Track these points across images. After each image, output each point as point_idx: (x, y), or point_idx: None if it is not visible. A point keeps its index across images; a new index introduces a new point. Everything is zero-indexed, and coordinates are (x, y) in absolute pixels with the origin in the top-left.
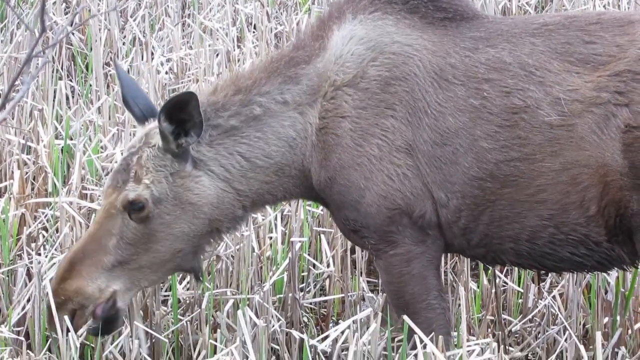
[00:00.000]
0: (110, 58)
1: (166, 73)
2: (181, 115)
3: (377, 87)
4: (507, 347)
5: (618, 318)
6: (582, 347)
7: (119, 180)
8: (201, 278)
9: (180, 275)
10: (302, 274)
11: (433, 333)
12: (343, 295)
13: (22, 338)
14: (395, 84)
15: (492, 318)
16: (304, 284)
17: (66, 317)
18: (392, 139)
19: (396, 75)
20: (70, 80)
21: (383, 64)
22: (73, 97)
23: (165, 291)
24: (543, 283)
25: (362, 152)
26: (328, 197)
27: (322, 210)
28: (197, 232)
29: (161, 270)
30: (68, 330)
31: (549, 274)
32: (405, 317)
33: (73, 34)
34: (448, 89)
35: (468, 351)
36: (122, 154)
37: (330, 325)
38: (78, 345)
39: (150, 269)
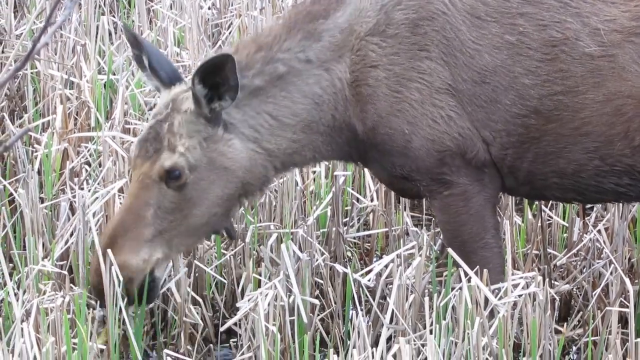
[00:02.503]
0: None
1: (209, 8)
2: (215, 78)
3: (407, 30)
4: (552, 281)
5: None
6: (627, 281)
7: (149, 149)
8: (234, 236)
9: None
10: (346, 208)
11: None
12: (386, 229)
13: (65, 272)
14: (424, 25)
15: (537, 252)
16: (347, 218)
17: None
18: (431, 81)
19: (423, 16)
20: (113, 16)
21: (408, 7)
22: (115, 32)
23: None
24: (588, 217)
25: (401, 97)
26: (373, 147)
27: None
28: (231, 196)
29: (197, 234)
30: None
31: (594, 208)
32: (450, 250)
33: None
34: (481, 26)
35: (513, 285)
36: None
37: (374, 259)
38: (122, 279)
39: (188, 235)
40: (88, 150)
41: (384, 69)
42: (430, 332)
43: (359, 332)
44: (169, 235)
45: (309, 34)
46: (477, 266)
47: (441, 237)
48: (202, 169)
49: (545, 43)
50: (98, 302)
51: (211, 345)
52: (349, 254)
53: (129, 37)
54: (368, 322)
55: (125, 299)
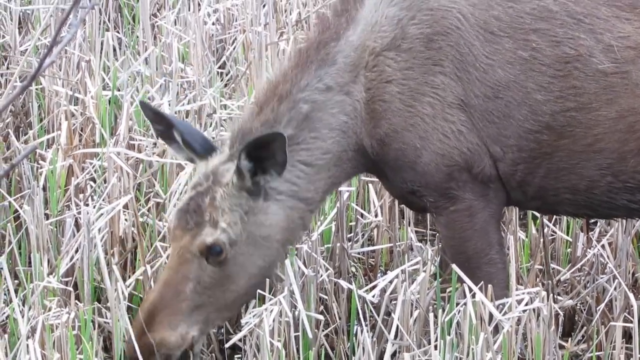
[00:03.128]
0: (157, 9)
1: (213, 24)
2: (260, 152)
3: (421, 45)
4: (556, 296)
5: None
6: (631, 296)
7: (190, 222)
8: (276, 282)
9: None
10: (350, 223)
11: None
12: (391, 245)
13: (70, 288)
14: (438, 40)
15: (541, 267)
16: (352, 234)
17: None
18: (444, 96)
19: (438, 31)
20: (117, 32)
21: (422, 22)
22: (120, 48)
23: None
24: (592, 232)
25: (414, 112)
26: (383, 163)
27: None
28: (272, 261)
29: (236, 306)
30: (117, 281)
31: (598, 223)
32: (454, 266)
33: None
34: (494, 41)
35: (517, 300)
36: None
37: (379, 275)
38: (127, 295)
39: (226, 309)
40: (93, 167)
41: (397, 84)
42: (435, 348)
43: (363, 348)
44: (207, 310)
45: (322, 61)
46: (482, 282)
47: (442, 253)
48: (241, 243)
49: (559, 59)
50: None
51: None
52: (353, 269)
53: (149, 115)
54: (373, 337)
55: None
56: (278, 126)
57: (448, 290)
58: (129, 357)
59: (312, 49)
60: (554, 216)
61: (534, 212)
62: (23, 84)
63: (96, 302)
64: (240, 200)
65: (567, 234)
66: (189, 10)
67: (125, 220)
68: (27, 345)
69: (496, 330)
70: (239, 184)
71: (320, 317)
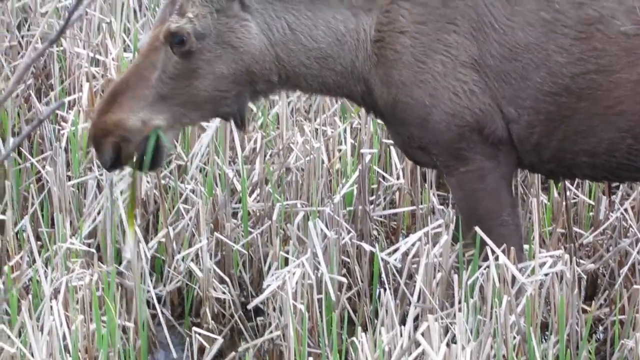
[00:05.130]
0: None
1: None
2: None
3: (437, 1)
4: (578, 260)
5: None
6: None
7: (167, 13)
8: (241, 125)
9: (250, 188)
10: (372, 186)
11: (504, 246)
12: (413, 207)
13: (93, 250)
14: None
15: (563, 231)
16: (374, 197)
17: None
18: (456, 55)
19: None
20: None
21: None
22: (140, 10)
23: (235, 203)
24: (614, 195)
25: (424, 68)
26: (391, 114)
27: None
28: (235, 79)
29: (202, 109)
30: (139, 242)
31: (620, 186)
32: (477, 228)
33: None
34: (517, 2)
35: (540, 263)
36: None
37: (401, 238)
38: (149, 257)
39: (192, 107)
40: None
41: (410, 37)
42: (459, 310)
43: (386, 311)
44: (172, 102)
45: None
46: (494, 244)
47: (456, 213)
48: (209, 40)
49: (581, 21)
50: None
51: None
52: (375, 232)
53: None
54: (395, 300)
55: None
56: None
57: (469, 253)
58: (88, 136)
59: None
60: (577, 180)
61: None
62: (50, 39)
63: (119, 264)
64: None
65: (590, 198)
66: None
67: (148, 182)
68: (51, 307)
69: (519, 293)
70: None
71: (343, 279)
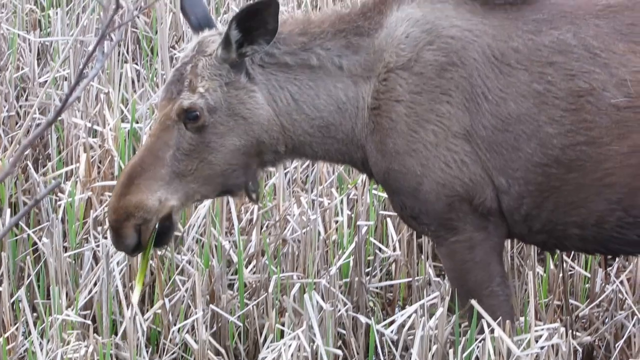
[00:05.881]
0: (176, 41)
1: None
2: (252, 23)
3: (433, 71)
4: (574, 332)
5: None
6: None
7: (173, 91)
8: (254, 197)
9: (247, 259)
10: (368, 257)
11: (500, 319)
12: (409, 279)
13: (89, 322)
14: (452, 70)
15: (559, 303)
16: (370, 268)
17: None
18: (448, 125)
19: (454, 61)
20: (136, 64)
21: (440, 48)
22: (139, 80)
23: (232, 275)
24: (610, 268)
25: (417, 138)
26: (384, 182)
27: None
28: (246, 150)
29: (213, 184)
30: (135, 314)
31: (616, 259)
32: (473, 301)
33: (138, 17)
34: (510, 74)
35: (536, 337)
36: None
37: (397, 309)
38: (145, 329)
39: (204, 181)
40: None
41: (406, 106)
42: None
43: None
44: (187, 179)
45: (351, 45)
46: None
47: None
48: (221, 113)
49: (572, 93)
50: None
51: None
52: (371, 304)
53: None
54: None
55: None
56: (282, 45)
57: (464, 325)
58: (109, 222)
59: (350, 26)
60: (572, 252)
61: None
62: (48, 119)
63: (114, 336)
64: (220, 70)
65: (586, 270)
66: None
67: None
68: None
69: None
70: (223, 55)
71: (339, 352)
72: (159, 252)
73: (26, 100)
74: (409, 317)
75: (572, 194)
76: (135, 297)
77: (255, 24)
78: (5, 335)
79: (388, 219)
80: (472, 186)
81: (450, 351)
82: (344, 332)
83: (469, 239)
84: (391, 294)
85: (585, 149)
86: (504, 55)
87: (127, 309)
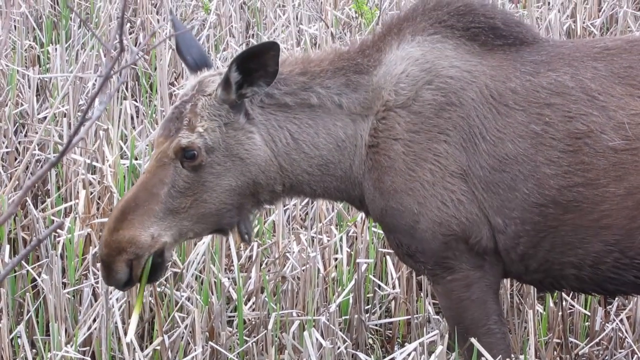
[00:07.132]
0: (175, 78)
1: None
2: (252, 65)
3: (431, 111)
4: None
5: None
6: None
7: (171, 128)
8: (246, 238)
9: (246, 296)
10: (368, 295)
11: (499, 357)
12: (409, 317)
13: (88, 358)
14: (450, 110)
15: (559, 341)
16: (369, 306)
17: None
18: (445, 164)
19: (452, 101)
20: (135, 101)
21: (439, 88)
22: (138, 117)
23: (231, 312)
24: (610, 306)
25: (414, 176)
26: (381, 220)
27: None
28: (242, 190)
29: (207, 222)
30: (134, 351)
31: (616, 297)
32: (473, 340)
33: (145, 59)
34: (508, 114)
35: None
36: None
37: (396, 347)
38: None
39: (197, 219)
40: None
41: (404, 144)
42: None
43: None
44: (179, 217)
45: (350, 82)
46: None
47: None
48: (219, 153)
49: (570, 135)
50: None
51: None
52: (371, 341)
53: (172, 19)
54: None
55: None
56: (282, 86)
57: None
58: (100, 257)
59: (349, 64)
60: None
61: None
62: (51, 161)
63: None
64: (220, 111)
65: (586, 308)
66: None
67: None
68: None
69: None
70: (223, 96)
71: None
72: (158, 289)
73: (25, 136)
74: (409, 354)
75: (569, 235)
76: (131, 332)
77: (256, 66)
78: None
79: (387, 257)
80: (468, 225)
81: None
82: None
83: (465, 278)
84: (390, 332)
85: (582, 190)
86: (502, 95)
87: (126, 345)
